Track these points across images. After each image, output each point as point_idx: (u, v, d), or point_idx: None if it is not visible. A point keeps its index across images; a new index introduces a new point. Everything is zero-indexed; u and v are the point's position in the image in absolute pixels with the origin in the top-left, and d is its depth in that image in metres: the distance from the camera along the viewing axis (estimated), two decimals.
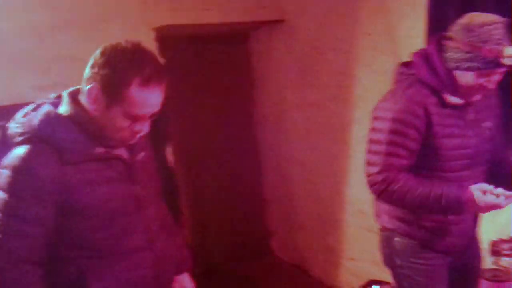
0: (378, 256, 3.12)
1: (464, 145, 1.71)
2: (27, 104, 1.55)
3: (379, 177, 1.68)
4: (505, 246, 1.52)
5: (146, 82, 1.23)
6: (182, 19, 3.08)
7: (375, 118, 1.77)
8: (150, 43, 2.96)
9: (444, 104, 1.68)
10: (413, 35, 2.60)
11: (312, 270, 3.86)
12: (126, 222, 1.38)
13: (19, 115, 1.36)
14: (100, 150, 1.32)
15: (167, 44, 3.11)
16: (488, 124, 1.77)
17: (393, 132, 1.67)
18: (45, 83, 2.64)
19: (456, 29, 1.63)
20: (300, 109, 3.66)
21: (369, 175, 1.73)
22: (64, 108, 1.33)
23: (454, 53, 1.62)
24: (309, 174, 3.69)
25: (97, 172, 1.32)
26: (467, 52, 1.58)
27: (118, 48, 1.25)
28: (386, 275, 3.01)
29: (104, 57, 1.25)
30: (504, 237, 1.59)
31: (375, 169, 1.70)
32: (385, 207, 1.89)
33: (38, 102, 1.38)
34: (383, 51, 2.83)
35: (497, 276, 1.41)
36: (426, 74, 1.68)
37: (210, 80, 4.37)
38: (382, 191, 1.70)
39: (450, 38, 1.64)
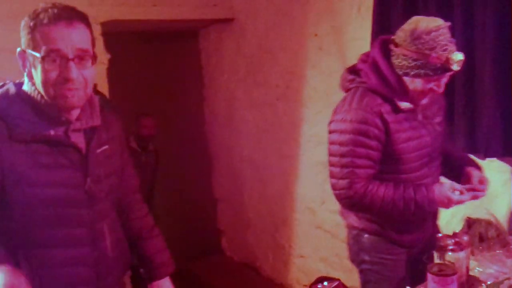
0: (326, 253, 3.20)
1: (421, 145, 1.74)
2: None
3: (350, 192, 1.67)
4: (450, 241, 1.58)
5: (49, 20, 1.24)
6: (129, 15, 3.01)
7: (333, 131, 1.73)
8: (96, 37, 2.87)
9: (396, 110, 1.70)
10: (358, 37, 2.67)
11: (262, 268, 3.88)
12: (70, 214, 1.34)
13: None
14: (52, 132, 1.29)
15: (114, 39, 3.03)
16: (438, 119, 1.82)
17: (355, 144, 1.66)
18: None
19: (402, 35, 1.63)
20: (250, 108, 3.66)
21: (337, 190, 1.72)
22: (24, 87, 1.33)
23: (401, 60, 1.63)
24: (259, 173, 3.70)
25: (46, 156, 1.29)
26: (415, 60, 1.59)
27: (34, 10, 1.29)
28: (335, 272, 3.08)
29: (25, 19, 1.29)
30: (449, 232, 1.66)
31: (343, 183, 1.69)
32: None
33: (7, 81, 1.38)
34: (330, 52, 2.88)
35: (442, 270, 1.46)
36: (377, 83, 1.68)
37: (158, 77, 4.31)
38: (354, 204, 1.71)
39: (396, 45, 1.65)
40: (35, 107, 1.29)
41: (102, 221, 1.42)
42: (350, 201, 1.70)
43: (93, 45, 1.33)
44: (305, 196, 3.29)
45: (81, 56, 1.26)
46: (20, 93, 1.31)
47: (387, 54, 1.70)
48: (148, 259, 1.62)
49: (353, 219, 1.89)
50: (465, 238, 1.62)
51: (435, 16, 2.14)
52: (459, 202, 1.65)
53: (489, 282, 1.49)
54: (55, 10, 1.25)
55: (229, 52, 3.80)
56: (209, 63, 4.09)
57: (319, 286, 2.77)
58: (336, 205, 3.02)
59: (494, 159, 2.12)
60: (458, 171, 1.81)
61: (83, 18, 1.29)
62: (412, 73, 1.61)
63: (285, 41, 3.20)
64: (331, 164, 1.74)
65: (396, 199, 1.66)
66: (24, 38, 1.28)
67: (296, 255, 3.48)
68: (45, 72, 1.25)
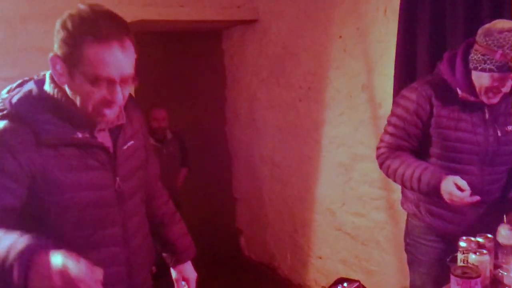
0: (346, 254, 3.20)
1: (469, 140, 1.83)
2: None
3: (379, 152, 1.94)
4: (474, 244, 1.58)
5: (100, 38, 1.14)
6: (156, 15, 3.06)
7: (395, 103, 1.98)
8: None
9: (457, 99, 1.83)
10: (383, 39, 2.67)
11: (280, 268, 3.89)
12: (102, 215, 1.32)
13: (4, 91, 1.31)
14: (79, 135, 1.25)
15: (140, 39, 3.08)
16: (510, 128, 1.88)
17: (396, 116, 1.90)
18: (14, 75, 2.56)
19: (479, 32, 1.75)
20: (271, 109, 3.69)
21: (376, 149, 1.98)
22: (46, 87, 1.26)
23: (474, 54, 1.75)
24: (279, 173, 3.72)
25: (76, 158, 1.25)
26: (483, 55, 1.70)
27: (73, 11, 1.18)
28: (354, 273, 3.08)
29: (61, 22, 1.18)
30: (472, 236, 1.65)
31: (380, 144, 1.96)
32: (404, 192, 2.07)
33: (26, 78, 1.33)
34: (354, 54, 2.89)
35: (466, 273, 1.46)
36: (445, 72, 1.85)
37: (181, 77, 4.36)
38: (380, 164, 1.94)
39: (475, 41, 1.76)
40: (58, 109, 1.24)
41: (132, 218, 1.41)
42: (379, 162, 1.95)
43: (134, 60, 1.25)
44: (325, 198, 3.30)
45: (126, 79, 1.21)
46: (42, 95, 1.25)
47: (468, 51, 1.82)
48: (171, 244, 1.65)
49: (403, 203, 2.09)
50: (489, 241, 1.63)
51: (463, 17, 2.19)
52: (462, 200, 1.69)
53: None
54: (106, 23, 1.15)
55: (252, 53, 3.83)
56: (231, 64, 4.13)
57: (338, 287, 2.78)
58: (355, 207, 3.05)
59: None
60: None
61: (129, 30, 1.20)
62: (479, 67, 1.73)
63: (309, 42, 3.22)
64: (384, 130, 2.00)
65: (408, 172, 1.83)
66: (61, 48, 1.18)
67: (314, 256, 3.49)
68: (88, 92, 1.19)
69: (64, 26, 1.17)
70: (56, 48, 1.19)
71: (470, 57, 1.77)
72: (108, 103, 1.21)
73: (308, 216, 3.48)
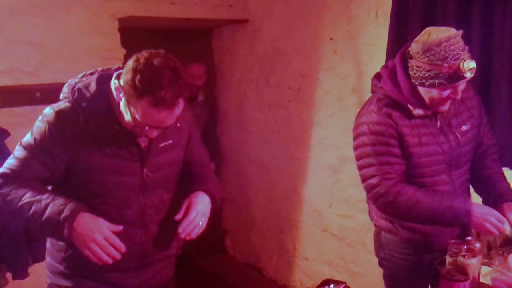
0: (332, 256, 3.21)
1: (436, 151, 1.78)
2: None
3: (382, 189, 1.72)
4: (462, 247, 1.59)
5: (156, 103, 1.33)
6: (146, 11, 3.03)
7: (357, 135, 1.82)
8: (113, 33, 2.90)
9: (410, 115, 1.77)
10: (374, 42, 2.69)
11: (265, 269, 3.89)
12: (127, 197, 1.54)
13: (80, 74, 1.57)
14: (118, 129, 1.47)
15: (130, 36, 3.06)
16: (465, 127, 1.84)
17: (376, 143, 1.74)
18: (2, 68, 2.53)
19: (415, 47, 1.67)
20: (261, 109, 3.68)
21: (370, 189, 1.77)
22: (111, 85, 1.46)
23: (416, 71, 1.68)
24: (266, 174, 3.72)
25: (111, 147, 1.49)
26: (428, 71, 1.63)
27: (150, 60, 1.34)
28: (340, 275, 3.09)
29: (133, 65, 1.35)
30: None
31: (373, 180, 1.74)
32: (372, 207, 1.96)
33: (91, 70, 1.57)
34: (344, 56, 2.90)
35: (454, 276, 1.47)
36: (391, 89, 1.76)
37: None
38: (389, 204, 1.73)
39: (410, 57, 1.70)
40: (111, 111, 1.47)
41: (154, 206, 1.60)
42: (384, 201, 1.74)
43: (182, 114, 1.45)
44: (312, 199, 3.30)
45: (167, 127, 1.46)
46: (102, 91, 1.48)
47: (406, 64, 1.74)
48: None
49: (374, 218, 1.99)
50: (477, 244, 1.64)
51: (454, 21, 2.20)
52: (496, 230, 1.65)
53: None
54: (165, 91, 1.32)
55: (242, 52, 3.82)
56: (221, 63, 4.11)
57: None
58: (342, 209, 3.06)
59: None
60: (494, 199, 1.83)
61: (183, 92, 1.37)
62: (427, 83, 1.66)
63: (300, 43, 3.22)
64: (359, 168, 1.82)
65: (433, 204, 1.69)
66: (125, 86, 1.36)
67: (300, 257, 3.49)
68: (136, 126, 1.43)
69: (134, 73, 1.34)
70: (123, 81, 1.38)
71: (412, 74, 1.69)
72: (144, 135, 1.47)
73: (294, 217, 3.49)
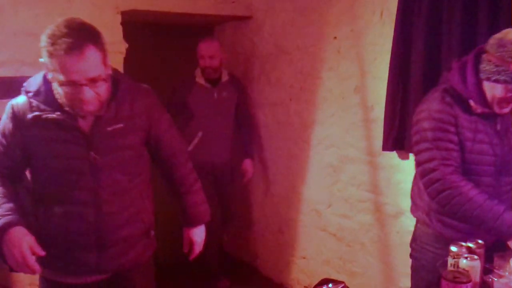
0: (330, 256, 3.20)
1: (487, 151, 1.81)
2: None
3: (438, 175, 1.75)
4: (464, 249, 1.58)
5: (65, 50, 1.43)
6: (148, 5, 3.01)
7: (416, 121, 1.86)
8: (116, 27, 2.88)
9: (470, 110, 1.81)
10: (378, 42, 2.67)
11: (262, 267, 3.88)
12: (78, 179, 1.64)
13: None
14: (59, 115, 1.58)
15: (133, 29, 3.04)
16: None
17: (435, 129, 1.78)
18: (4, 59, 2.52)
19: (491, 42, 1.73)
20: (262, 107, 3.67)
21: (425, 174, 1.79)
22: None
23: (486, 65, 1.73)
24: (266, 172, 3.70)
25: (55, 132, 1.61)
26: (497, 66, 1.69)
27: (49, 29, 1.49)
28: (338, 275, 3.08)
29: (42, 37, 1.49)
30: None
31: (431, 165, 1.77)
32: (414, 199, 2.02)
33: None
34: (348, 55, 2.88)
35: (457, 277, 1.46)
36: (457, 82, 1.81)
37: (172, 70, 4.30)
38: (441, 191, 1.75)
39: (485, 51, 1.74)
40: (54, 99, 1.59)
41: (108, 187, 1.67)
42: (436, 188, 1.76)
43: (105, 63, 1.54)
44: (312, 198, 3.29)
45: (93, 80, 1.51)
46: (47, 86, 1.60)
47: (478, 60, 1.78)
48: (184, 211, 1.96)
49: (412, 209, 2.04)
50: (479, 246, 1.63)
51: (460, 22, 2.20)
52: None
53: None
54: (69, 40, 1.44)
55: (244, 49, 3.80)
56: None
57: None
58: (342, 209, 3.05)
59: None
60: None
61: (94, 39, 1.50)
62: (492, 78, 1.71)
63: (303, 42, 3.21)
64: (416, 153, 1.86)
65: (485, 208, 1.70)
66: (44, 57, 1.50)
67: (298, 256, 3.48)
68: (63, 92, 1.53)
69: (43, 42, 1.48)
70: (43, 54, 1.51)
71: (481, 67, 1.75)
72: (80, 100, 1.52)
73: (293, 216, 3.47)
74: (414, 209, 2.04)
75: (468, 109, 1.81)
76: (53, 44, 1.45)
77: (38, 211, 1.70)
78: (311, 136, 3.22)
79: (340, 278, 3.00)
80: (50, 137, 1.61)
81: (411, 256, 2.07)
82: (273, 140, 3.60)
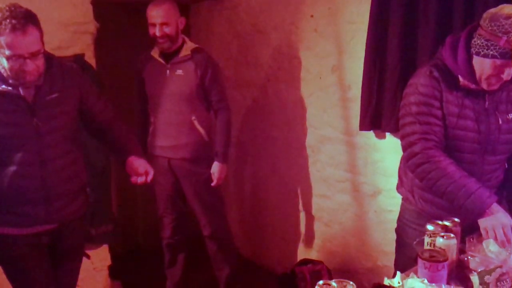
0: (308, 235, 3.21)
1: (472, 128, 1.81)
2: None
3: (417, 148, 1.77)
4: (440, 228, 1.59)
5: (9, 29, 1.69)
6: None
7: (405, 95, 1.88)
8: (86, 6, 2.78)
9: (459, 85, 1.80)
10: (355, 20, 2.64)
11: (241, 248, 3.87)
12: (24, 143, 1.86)
13: None
14: (4, 88, 1.82)
15: (102, 9, 2.94)
16: (511, 116, 1.85)
17: (419, 103, 1.80)
18: None
19: (484, 16, 1.70)
20: (239, 88, 3.62)
21: (406, 147, 1.82)
22: None
23: (477, 39, 1.71)
24: (244, 154, 3.68)
25: (1, 102, 1.82)
26: (487, 40, 1.67)
27: None
28: (317, 254, 3.10)
29: None
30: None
31: (411, 138, 1.80)
32: (400, 176, 2.04)
33: None
34: (325, 34, 2.84)
35: (433, 256, 1.47)
36: (447, 57, 1.81)
37: (145, 50, 4.20)
38: (419, 165, 1.77)
39: (478, 25, 1.72)
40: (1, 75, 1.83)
41: (50, 148, 1.92)
42: (416, 161, 1.78)
43: (42, 40, 1.81)
44: (291, 179, 3.28)
45: (34, 54, 1.77)
46: None
47: (471, 35, 1.76)
48: (116, 145, 2.18)
49: (398, 186, 2.08)
50: (456, 225, 1.64)
51: (435, 3, 2.18)
52: (500, 242, 1.63)
53: (479, 269, 1.50)
54: (13, 21, 1.70)
55: (220, 30, 3.73)
56: (198, 41, 3.96)
57: (303, 268, 2.78)
58: (321, 189, 3.05)
59: None
60: None
61: (34, 21, 1.77)
62: (481, 52, 1.69)
63: (279, 21, 3.15)
64: (401, 127, 1.88)
65: (459, 184, 1.71)
66: None
67: (277, 237, 3.49)
68: (9, 66, 1.77)
69: None
70: None
71: (472, 42, 1.73)
72: (23, 72, 1.78)
73: (272, 197, 3.47)
74: (400, 185, 2.06)
75: (456, 85, 1.80)
76: (6, 19, 1.70)
77: None
78: (289, 116, 3.19)
79: (319, 258, 3.05)
80: None
81: (395, 232, 2.10)
82: (251, 121, 3.56)
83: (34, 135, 1.88)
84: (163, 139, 2.85)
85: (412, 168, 1.82)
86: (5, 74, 1.81)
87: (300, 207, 3.25)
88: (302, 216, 3.26)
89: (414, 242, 1.69)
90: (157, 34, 2.69)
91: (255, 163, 3.60)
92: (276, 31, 3.20)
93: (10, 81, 1.82)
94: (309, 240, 3.23)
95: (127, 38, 3.65)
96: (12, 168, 1.88)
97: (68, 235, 2.09)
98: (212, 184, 2.89)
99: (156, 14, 2.69)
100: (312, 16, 2.90)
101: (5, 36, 1.71)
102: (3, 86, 1.83)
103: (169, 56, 2.80)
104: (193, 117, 2.81)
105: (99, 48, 2.96)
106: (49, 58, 1.93)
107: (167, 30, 2.69)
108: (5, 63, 1.77)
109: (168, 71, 2.77)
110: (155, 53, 2.83)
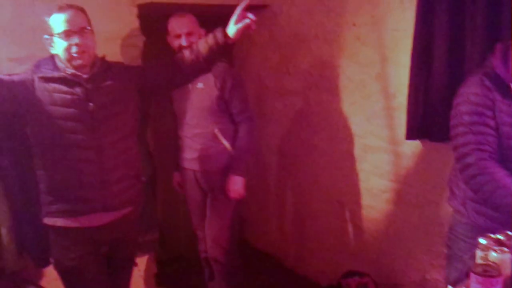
0: (353, 247, 3.16)
1: None
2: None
3: (471, 159, 1.74)
4: (494, 241, 1.53)
5: (60, 9, 1.95)
6: None
7: (455, 105, 1.84)
8: (132, 20, 2.86)
9: (511, 94, 1.75)
10: (400, 28, 2.60)
11: (285, 259, 3.86)
12: (78, 126, 1.95)
13: None
14: (61, 74, 1.98)
15: (149, 22, 3.01)
16: None
17: (472, 113, 1.76)
18: (22, 55, 2.51)
19: None
20: (280, 97, 3.62)
21: (460, 158, 1.79)
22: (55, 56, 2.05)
23: None
24: (286, 163, 3.67)
25: (59, 87, 1.96)
26: None
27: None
28: (362, 266, 3.05)
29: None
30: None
31: (465, 149, 1.76)
32: (452, 188, 1.99)
33: None
34: (368, 42, 2.81)
35: (487, 271, 1.41)
36: (498, 64, 1.77)
37: None
38: (473, 176, 1.74)
39: None
40: (59, 65, 2.01)
41: (109, 134, 2.00)
42: (470, 172, 1.75)
43: (89, 23, 2.02)
44: (334, 188, 3.25)
45: (82, 29, 1.96)
46: (53, 58, 2.04)
47: None
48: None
49: (450, 198, 2.01)
50: (510, 239, 1.58)
51: (484, 5, 2.12)
52: None
53: None
54: (62, 5, 1.96)
55: (261, 39, 3.75)
56: (239, 51, 4.04)
57: (349, 280, 2.73)
58: (365, 199, 3.00)
59: None
60: None
61: (82, 9, 2.01)
62: None
63: (321, 29, 3.14)
64: (453, 137, 1.83)
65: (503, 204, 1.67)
66: (47, 27, 1.97)
67: (322, 248, 3.45)
68: (63, 47, 1.95)
69: (45, 18, 1.98)
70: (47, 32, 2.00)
71: None
72: (75, 47, 1.95)
73: (315, 207, 3.44)
74: (451, 197, 2.00)
75: (508, 94, 1.75)
76: (50, 13, 1.95)
77: (46, 160, 1.98)
78: (332, 125, 3.17)
79: (365, 270, 2.99)
80: (55, 91, 1.94)
81: (446, 245, 2.04)
82: (292, 130, 3.55)
83: (90, 119, 1.96)
84: (188, 151, 2.85)
85: (466, 179, 1.78)
86: (63, 66, 1.97)
87: (345, 217, 3.21)
88: (347, 226, 3.21)
89: (467, 256, 1.64)
90: (184, 44, 2.66)
91: (296, 171, 3.58)
92: (317, 40, 3.19)
93: (68, 71, 1.97)
94: (355, 251, 3.17)
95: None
96: (69, 151, 1.94)
97: (124, 243, 2.15)
98: (230, 198, 2.80)
99: (181, 25, 2.70)
100: (354, 24, 2.88)
101: (55, 16, 1.93)
102: (61, 73, 1.97)
103: None
104: (216, 130, 2.77)
105: (145, 61, 3.03)
106: (101, 57, 2.10)
107: (193, 40, 2.67)
108: (58, 45, 1.94)
109: (190, 85, 2.72)
110: None
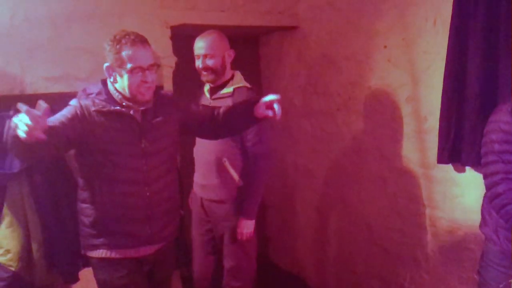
0: (381, 271, 3.11)
1: None
2: (37, 95, 2.29)
3: (501, 188, 1.74)
4: None
5: (130, 43, 1.86)
6: (198, 19, 3.04)
7: (486, 132, 1.85)
8: (165, 41, 2.92)
9: None
10: (431, 50, 2.58)
11: (309, 279, 3.82)
12: (133, 162, 1.96)
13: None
14: (116, 108, 1.94)
15: (181, 42, 3.07)
16: None
17: (502, 141, 1.76)
18: (57, 74, 2.59)
19: None
20: (308, 117, 3.63)
21: (490, 187, 1.79)
22: (108, 87, 2.01)
23: None
24: (313, 182, 3.65)
25: (112, 122, 1.94)
26: None
27: (112, 35, 1.93)
28: None
29: (106, 42, 1.92)
30: None
31: (495, 178, 1.76)
32: (484, 215, 1.97)
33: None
34: (399, 64, 2.80)
35: None
36: None
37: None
38: (503, 206, 1.74)
39: None
40: (113, 98, 1.98)
41: (155, 169, 2.02)
42: (500, 202, 1.74)
43: (155, 58, 2.03)
44: (362, 210, 3.21)
45: (152, 66, 1.94)
46: (106, 89, 2.00)
47: None
48: (245, 107, 2.19)
49: (481, 225, 2.00)
50: None
51: None
52: None
53: None
54: (132, 36, 1.87)
55: (290, 59, 3.78)
56: (268, 70, 4.08)
57: None
58: (394, 222, 2.95)
59: None
60: None
61: (148, 41, 1.94)
62: None
63: (350, 51, 3.15)
64: (483, 165, 1.83)
65: None
66: (111, 57, 1.90)
67: (348, 270, 3.40)
68: (129, 82, 1.91)
69: (107, 46, 1.90)
70: (108, 60, 1.92)
71: None
72: (144, 83, 1.92)
73: (342, 228, 3.40)
74: (483, 224, 1.98)
75: None
76: (119, 42, 1.86)
77: (94, 194, 1.97)
78: (361, 146, 3.15)
79: None
80: (110, 126, 1.93)
81: (477, 272, 2.01)
82: (320, 150, 3.54)
83: (141, 155, 1.98)
84: (197, 176, 2.77)
85: (496, 209, 1.76)
86: (119, 97, 1.95)
87: (372, 240, 3.16)
88: (375, 249, 3.16)
89: (501, 286, 1.61)
90: (200, 66, 2.59)
91: (323, 192, 3.56)
92: (347, 61, 3.19)
93: (124, 103, 1.95)
94: (382, 275, 3.12)
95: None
96: (121, 186, 1.95)
97: (165, 261, 2.20)
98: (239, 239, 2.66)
99: (200, 46, 2.59)
100: (385, 46, 2.87)
101: (127, 50, 1.85)
102: (118, 107, 1.94)
103: (215, 90, 2.66)
104: (224, 158, 2.59)
105: (177, 81, 3.09)
106: (157, 87, 2.07)
107: (209, 62, 2.56)
108: (125, 80, 1.89)
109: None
110: (205, 86, 2.75)
